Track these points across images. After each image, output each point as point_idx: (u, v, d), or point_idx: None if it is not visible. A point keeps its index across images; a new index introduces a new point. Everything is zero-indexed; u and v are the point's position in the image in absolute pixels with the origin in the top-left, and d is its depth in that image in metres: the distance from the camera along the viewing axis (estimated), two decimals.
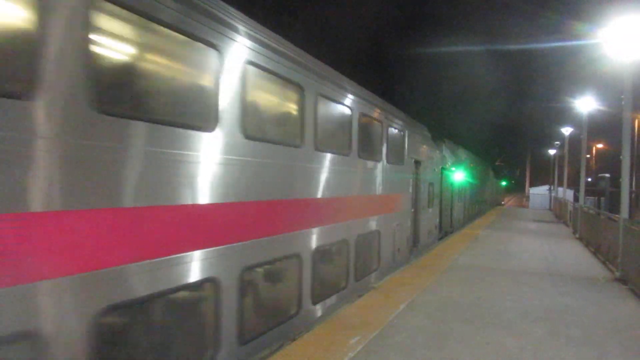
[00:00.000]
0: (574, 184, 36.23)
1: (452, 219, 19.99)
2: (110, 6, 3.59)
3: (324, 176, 7.24)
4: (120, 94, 3.86)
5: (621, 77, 11.41)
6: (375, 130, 9.72)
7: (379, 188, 9.83)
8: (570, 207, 24.23)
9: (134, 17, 3.85)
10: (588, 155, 46.56)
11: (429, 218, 14.90)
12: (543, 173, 64.02)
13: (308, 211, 6.82)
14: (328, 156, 7.34)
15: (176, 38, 4.29)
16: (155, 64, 4.39)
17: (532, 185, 67.11)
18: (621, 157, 11.62)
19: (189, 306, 4.65)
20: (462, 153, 23.84)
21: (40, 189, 3.07)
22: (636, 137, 36.98)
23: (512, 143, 79.22)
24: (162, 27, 4.11)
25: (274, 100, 6.46)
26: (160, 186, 4.06)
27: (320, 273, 7.08)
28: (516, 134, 79.10)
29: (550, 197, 48.12)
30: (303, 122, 6.54)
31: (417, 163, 12.91)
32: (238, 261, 5.07)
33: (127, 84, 3.97)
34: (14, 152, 2.94)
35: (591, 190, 43.33)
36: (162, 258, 4.04)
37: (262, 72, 5.60)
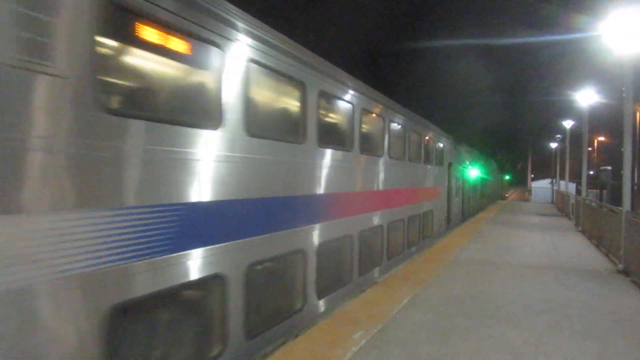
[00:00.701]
0: (575, 177, 36.19)
1: (470, 206, 25.01)
2: None
3: (415, 175, 12.97)
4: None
5: (622, 69, 11.39)
6: (432, 145, 14.90)
7: (433, 182, 15.12)
8: (572, 200, 24.20)
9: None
10: (590, 148, 46.45)
11: (456, 204, 20.39)
12: (545, 166, 63.85)
13: (410, 194, 12.30)
14: (418, 165, 13.16)
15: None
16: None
17: (533, 178, 66.87)
18: (622, 149, 11.61)
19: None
20: (475, 153, 29.09)
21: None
22: (638, 130, 36.84)
23: (513, 136, 79.06)
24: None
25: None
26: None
27: (410, 230, 12.16)
28: (517, 127, 78.92)
29: (553, 190, 48.05)
30: (408, 148, 11.86)
31: (450, 164, 18.01)
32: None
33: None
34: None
35: (593, 183, 43.26)
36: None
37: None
